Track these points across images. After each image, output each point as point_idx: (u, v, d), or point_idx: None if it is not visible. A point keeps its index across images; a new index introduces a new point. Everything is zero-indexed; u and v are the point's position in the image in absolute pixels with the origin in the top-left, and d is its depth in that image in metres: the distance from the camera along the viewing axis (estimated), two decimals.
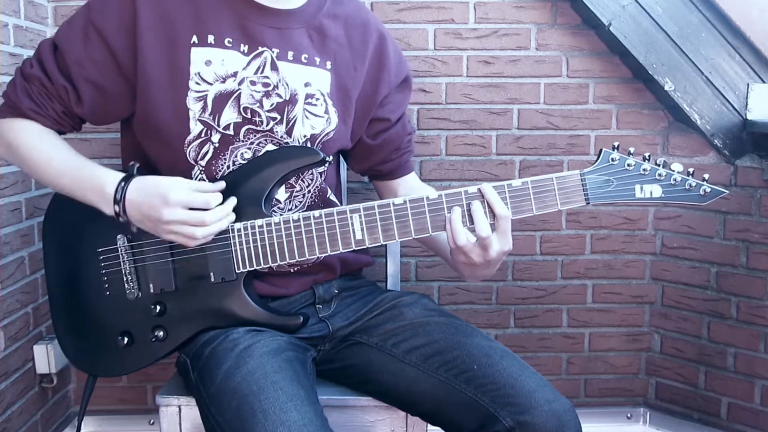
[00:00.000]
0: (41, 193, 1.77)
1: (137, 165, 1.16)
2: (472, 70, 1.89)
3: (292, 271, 1.27)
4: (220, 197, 1.13)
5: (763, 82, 1.81)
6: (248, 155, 1.20)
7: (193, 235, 1.11)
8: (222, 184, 1.15)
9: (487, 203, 1.11)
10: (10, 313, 1.65)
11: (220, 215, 1.12)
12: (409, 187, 1.41)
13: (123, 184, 1.13)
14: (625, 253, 1.97)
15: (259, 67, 1.19)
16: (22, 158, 1.21)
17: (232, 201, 1.15)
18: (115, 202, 1.12)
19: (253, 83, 1.19)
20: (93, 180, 1.15)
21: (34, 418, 1.76)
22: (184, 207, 1.10)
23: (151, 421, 1.97)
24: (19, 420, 1.68)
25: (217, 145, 1.19)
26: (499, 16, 1.87)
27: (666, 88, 1.79)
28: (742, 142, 1.82)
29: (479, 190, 1.12)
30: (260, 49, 1.20)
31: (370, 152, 1.36)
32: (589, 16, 1.80)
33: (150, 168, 1.24)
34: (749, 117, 1.81)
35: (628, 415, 2.02)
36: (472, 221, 1.11)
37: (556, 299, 1.98)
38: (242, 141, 1.20)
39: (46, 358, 1.76)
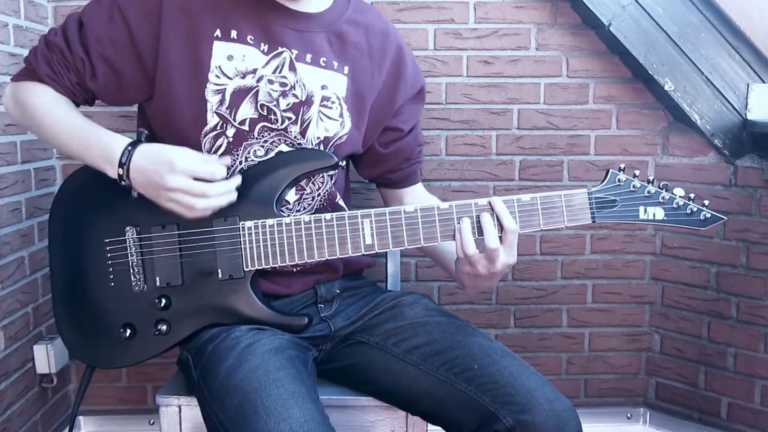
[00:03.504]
0: (41, 193, 1.78)
1: (146, 132, 1.19)
2: (472, 70, 1.89)
3: (294, 270, 1.27)
4: (224, 171, 1.14)
5: (763, 82, 1.81)
6: (261, 153, 1.21)
7: (194, 205, 1.12)
8: (228, 160, 1.17)
9: (496, 216, 1.12)
10: (10, 313, 1.65)
11: (223, 190, 1.13)
12: (416, 196, 1.43)
13: (130, 148, 1.14)
14: (625, 253, 1.97)
15: (277, 67, 1.20)
16: (35, 120, 1.23)
17: (237, 179, 1.16)
18: (120, 165, 1.14)
19: (270, 82, 1.20)
20: (100, 142, 1.17)
21: (34, 418, 1.76)
22: (189, 176, 1.11)
23: (151, 421, 1.97)
24: (19, 420, 1.68)
25: (231, 139, 1.20)
26: (499, 16, 1.87)
27: (666, 88, 1.80)
28: (742, 142, 1.82)
29: (489, 203, 1.13)
30: (280, 49, 1.21)
31: (381, 160, 1.37)
32: (589, 16, 1.81)
33: None
34: (749, 117, 1.81)
35: (628, 415, 2.02)
36: (480, 233, 1.13)
37: (556, 299, 1.98)
38: (256, 138, 1.21)
39: (46, 358, 1.76)
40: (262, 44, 1.20)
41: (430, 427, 1.25)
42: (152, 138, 1.23)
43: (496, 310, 1.98)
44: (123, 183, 1.15)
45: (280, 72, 1.20)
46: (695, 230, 1.17)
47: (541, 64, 1.89)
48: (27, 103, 1.22)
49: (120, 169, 1.14)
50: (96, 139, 1.17)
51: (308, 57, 1.22)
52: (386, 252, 1.62)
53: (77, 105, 1.26)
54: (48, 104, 1.21)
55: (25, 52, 1.69)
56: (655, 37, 1.78)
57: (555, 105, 1.91)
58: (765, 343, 1.80)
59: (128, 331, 1.20)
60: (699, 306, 1.90)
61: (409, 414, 1.26)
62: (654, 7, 1.78)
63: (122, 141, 1.16)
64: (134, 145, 1.15)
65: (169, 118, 1.20)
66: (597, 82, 1.90)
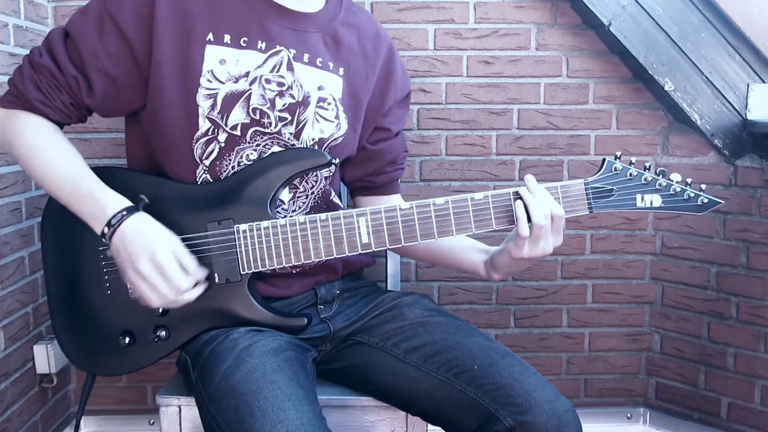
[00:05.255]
0: (41, 193, 1.77)
1: (145, 201, 1.15)
2: (472, 70, 1.89)
3: (294, 272, 1.26)
4: (191, 285, 1.12)
5: (763, 82, 1.81)
6: (254, 156, 1.20)
7: (149, 301, 1.10)
8: (204, 273, 1.14)
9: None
10: (10, 313, 1.65)
11: (185, 298, 1.11)
12: None
13: (125, 213, 1.11)
14: (625, 253, 1.97)
15: (275, 66, 1.19)
16: (22, 159, 1.19)
17: (201, 288, 1.14)
18: (109, 225, 1.11)
19: (267, 81, 1.19)
20: (92, 198, 1.13)
21: (34, 418, 1.76)
22: (160, 272, 1.08)
23: (151, 421, 1.97)
24: (19, 420, 1.68)
25: (223, 144, 1.18)
26: (499, 16, 1.87)
27: (666, 88, 1.80)
28: (742, 142, 1.82)
29: (516, 192, 1.13)
30: (278, 47, 1.20)
31: (368, 159, 1.36)
32: (589, 16, 1.81)
33: (154, 164, 1.23)
34: (749, 117, 1.81)
35: (628, 415, 2.03)
36: (510, 222, 1.13)
37: (556, 299, 1.98)
38: (248, 142, 1.19)
39: (46, 358, 1.76)
40: (259, 42, 1.18)
41: (430, 427, 1.25)
42: (152, 199, 1.17)
43: (496, 310, 1.98)
44: (104, 240, 1.12)
45: (277, 71, 1.19)
46: (695, 215, 1.16)
47: (541, 64, 1.89)
48: (14, 138, 1.18)
49: (106, 228, 1.11)
50: (87, 194, 1.13)
51: (305, 57, 1.22)
52: (386, 252, 1.62)
53: (68, 125, 1.22)
54: (37, 146, 1.17)
55: (25, 52, 1.69)
56: (655, 37, 1.78)
57: (555, 105, 1.91)
58: (765, 343, 1.80)
59: (127, 338, 1.20)
60: (699, 306, 1.90)
61: (409, 414, 1.26)
62: (654, 7, 1.78)
63: (116, 202, 1.12)
64: (130, 211, 1.11)
65: (160, 124, 1.18)
66: (597, 82, 1.90)
